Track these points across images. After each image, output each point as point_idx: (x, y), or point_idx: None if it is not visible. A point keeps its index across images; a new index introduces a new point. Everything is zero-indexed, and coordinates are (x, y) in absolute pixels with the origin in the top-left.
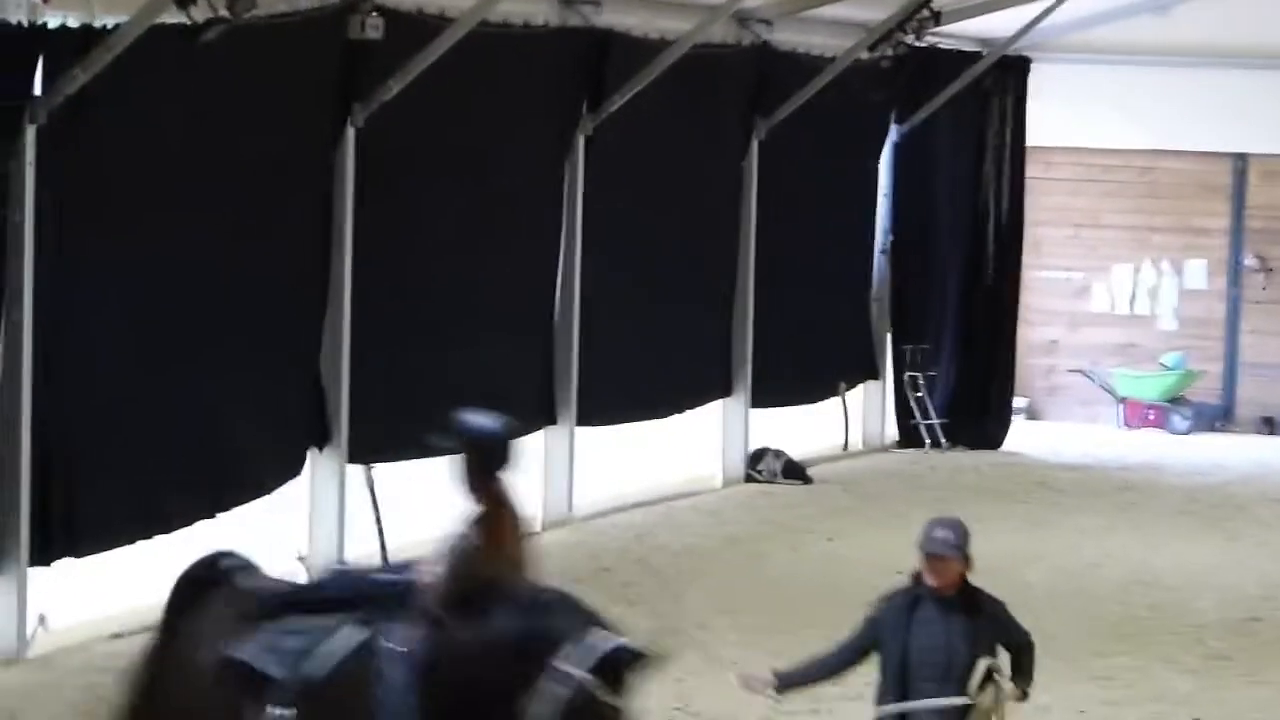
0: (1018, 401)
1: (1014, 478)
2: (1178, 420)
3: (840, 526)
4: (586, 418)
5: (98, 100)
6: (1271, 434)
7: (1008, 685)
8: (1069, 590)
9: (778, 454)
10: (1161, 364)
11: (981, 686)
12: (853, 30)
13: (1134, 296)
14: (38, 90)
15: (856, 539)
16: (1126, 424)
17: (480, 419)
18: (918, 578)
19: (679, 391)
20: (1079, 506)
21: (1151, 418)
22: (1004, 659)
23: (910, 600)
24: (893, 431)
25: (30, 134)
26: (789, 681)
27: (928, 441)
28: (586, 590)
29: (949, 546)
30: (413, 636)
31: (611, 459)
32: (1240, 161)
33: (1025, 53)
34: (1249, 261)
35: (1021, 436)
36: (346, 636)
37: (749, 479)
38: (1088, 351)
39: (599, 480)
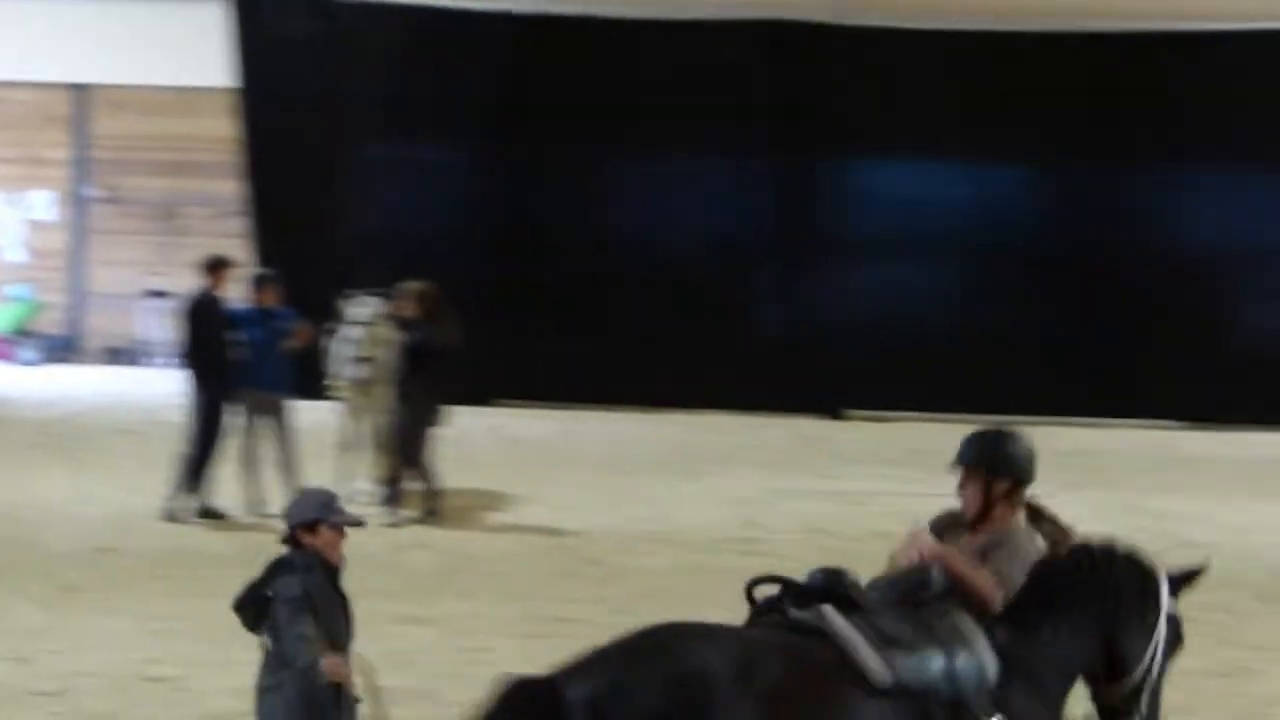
0: None
1: None
2: (24, 352)
3: None
4: None
5: None
6: (120, 364)
7: None
8: None
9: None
10: (6, 295)
11: None
12: None
13: None
14: None
15: None
16: None
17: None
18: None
19: None
20: None
21: None
22: None
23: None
24: None
25: None
26: None
27: None
28: None
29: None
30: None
31: None
32: (82, 92)
33: None
34: (95, 192)
35: None
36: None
37: None
38: None
39: None
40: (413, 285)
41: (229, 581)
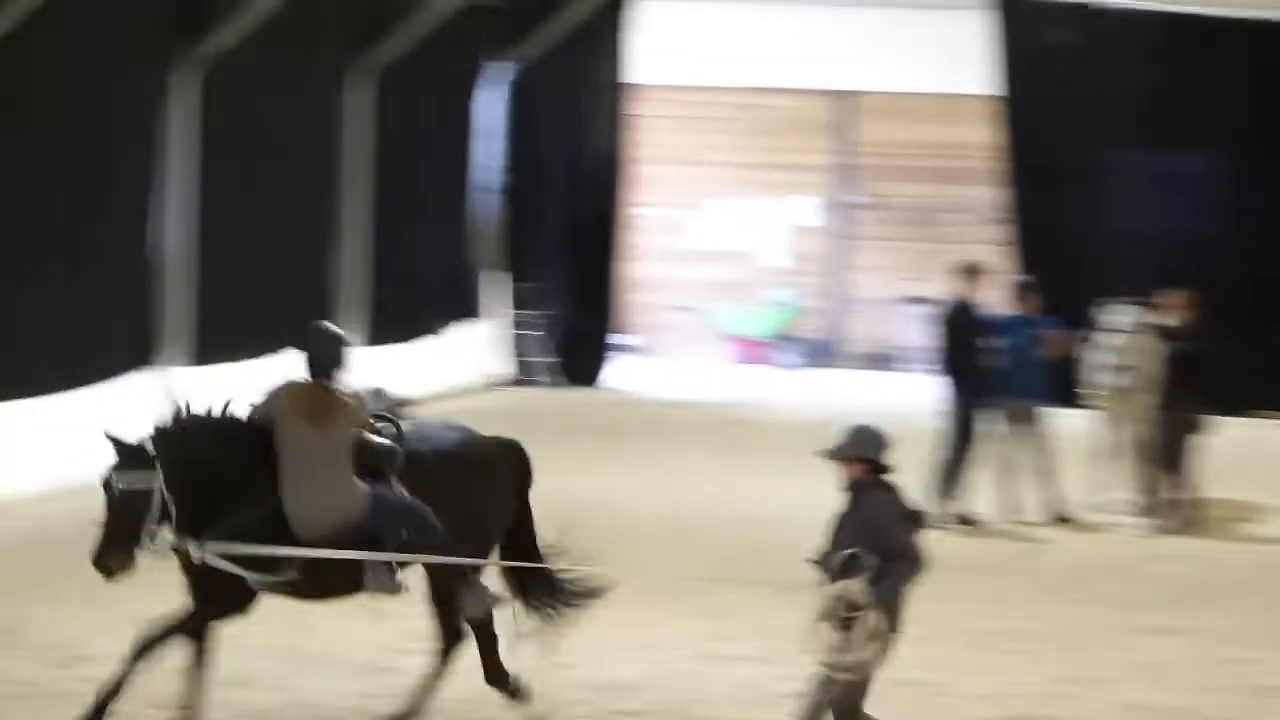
0: (629, 339)
1: (625, 414)
2: (785, 355)
3: None
4: (202, 357)
5: None
6: (877, 369)
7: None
8: (680, 527)
9: (382, 393)
10: (769, 300)
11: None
12: None
13: (738, 233)
14: None
15: None
16: (735, 360)
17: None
18: None
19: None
20: (689, 443)
21: (760, 354)
22: None
23: None
24: (509, 369)
25: None
26: None
27: (540, 379)
28: None
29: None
30: None
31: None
32: (843, 98)
33: None
34: (858, 198)
35: (632, 373)
36: None
37: None
38: (694, 288)
39: None
40: (1176, 294)
41: (972, 587)
